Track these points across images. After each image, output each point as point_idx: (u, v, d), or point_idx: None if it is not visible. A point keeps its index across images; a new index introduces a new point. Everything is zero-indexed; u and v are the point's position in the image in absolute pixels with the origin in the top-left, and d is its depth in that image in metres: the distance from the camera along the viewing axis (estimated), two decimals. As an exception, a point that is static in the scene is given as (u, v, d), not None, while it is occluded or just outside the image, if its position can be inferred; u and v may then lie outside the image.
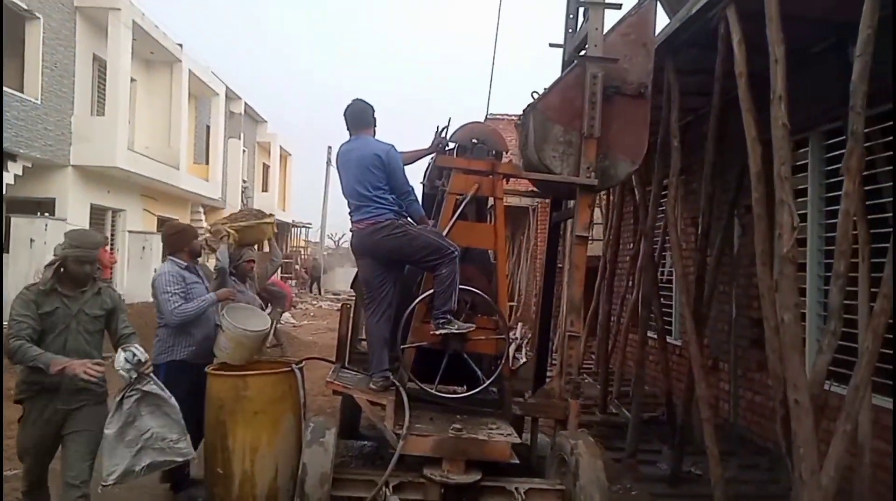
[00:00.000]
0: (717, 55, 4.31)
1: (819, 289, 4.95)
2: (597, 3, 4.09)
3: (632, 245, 7.76)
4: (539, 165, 4.19)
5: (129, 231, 15.15)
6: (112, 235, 15.03)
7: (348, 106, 4.05)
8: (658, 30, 4.38)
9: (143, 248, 14.88)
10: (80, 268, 3.22)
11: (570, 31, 4.71)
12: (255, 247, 6.57)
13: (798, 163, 4.88)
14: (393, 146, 3.89)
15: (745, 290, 5.96)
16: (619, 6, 4.19)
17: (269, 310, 10.77)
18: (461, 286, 3.84)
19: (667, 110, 5.17)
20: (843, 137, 4.53)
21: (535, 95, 4.22)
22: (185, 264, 4.34)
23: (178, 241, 4.43)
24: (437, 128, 4.27)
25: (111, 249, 14.42)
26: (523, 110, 4.55)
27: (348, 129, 4.05)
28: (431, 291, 3.83)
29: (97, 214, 14.61)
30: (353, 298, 5.29)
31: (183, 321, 4.12)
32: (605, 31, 4.09)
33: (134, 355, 3.18)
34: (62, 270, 3.23)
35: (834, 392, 3.67)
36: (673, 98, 4.99)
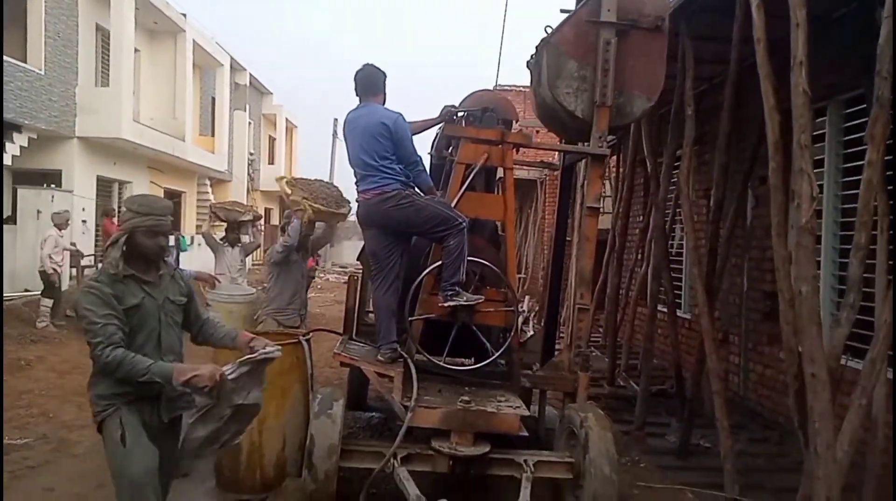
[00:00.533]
0: (735, 21, 4.16)
1: (834, 261, 4.87)
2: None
3: (641, 218, 7.67)
4: (553, 103, 4.09)
5: (136, 204, 15.12)
6: (119, 207, 15.03)
7: (359, 70, 3.94)
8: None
9: (150, 220, 14.85)
10: (154, 241, 2.51)
11: None
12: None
13: (815, 132, 4.76)
14: (401, 115, 3.80)
15: (758, 263, 5.88)
16: None
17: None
18: (469, 258, 3.79)
19: (681, 78, 5.03)
20: (863, 106, 4.43)
21: (549, 30, 4.11)
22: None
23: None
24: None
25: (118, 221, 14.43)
26: (536, 47, 4.40)
27: (357, 94, 3.94)
28: (439, 262, 3.78)
29: (104, 185, 14.58)
30: (361, 270, 5.27)
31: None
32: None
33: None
34: (126, 247, 2.48)
35: (849, 367, 3.61)
36: (688, 66, 4.85)
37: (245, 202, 22.70)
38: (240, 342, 2.65)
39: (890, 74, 2.75)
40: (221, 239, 7.78)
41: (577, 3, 4.56)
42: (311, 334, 4.10)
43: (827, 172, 4.92)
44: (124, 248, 2.47)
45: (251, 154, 24.28)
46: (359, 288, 4.57)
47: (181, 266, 6.59)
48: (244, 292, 4.22)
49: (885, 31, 2.74)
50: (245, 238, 8.14)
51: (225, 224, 8.25)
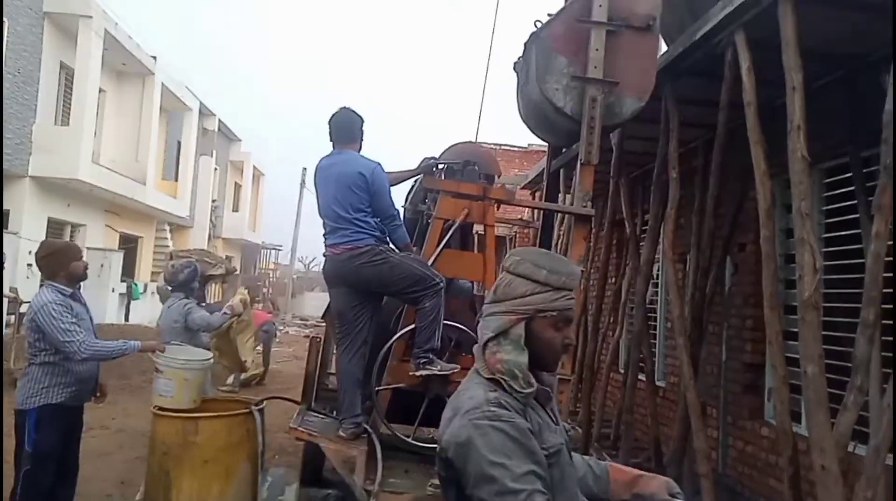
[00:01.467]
0: (723, 83, 4.08)
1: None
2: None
3: (614, 279, 7.49)
4: (540, 99, 3.92)
5: (88, 248, 14.44)
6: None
7: (334, 114, 3.68)
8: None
9: (102, 266, 14.19)
10: (563, 334, 1.46)
11: None
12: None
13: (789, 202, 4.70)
14: (379, 164, 3.53)
15: (738, 331, 5.69)
16: None
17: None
18: (445, 322, 3.47)
19: (664, 140, 4.93)
20: (848, 174, 4.37)
21: (539, 24, 3.95)
22: (70, 290, 3.56)
23: (53, 263, 3.57)
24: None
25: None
26: (524, 43, 4.23)
27: (331, 140, 3.67)
28: (412, 326, 3.46)
29: (54, 228, 13.91)
30: (324, 328, 4.89)
31: (92, 358, 3.45)
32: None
33: None
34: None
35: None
36: (672, 128, 4.75)
37: (206, 248, 22.09)
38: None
39: (898, 142, 2.62)
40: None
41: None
42: (263, 402, 3.68)
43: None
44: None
45: (215, 201, 23.77)
46: (321, 350, 4.19)
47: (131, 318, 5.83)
48: (202, 356, 3.80)
49: (892, 97, 2.61)
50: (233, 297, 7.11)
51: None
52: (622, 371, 7.07)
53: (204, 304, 6.49)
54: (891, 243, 3.33)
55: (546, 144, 5.34)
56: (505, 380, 1.37)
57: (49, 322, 3.33)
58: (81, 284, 3.72)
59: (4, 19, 11.78)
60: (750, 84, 3.66)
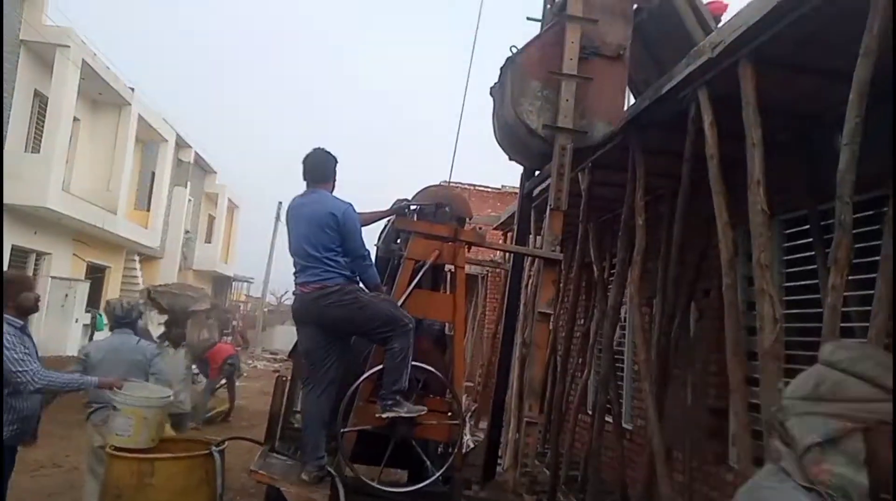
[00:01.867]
0: (687, 137, 4.24)
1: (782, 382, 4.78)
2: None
3: (583, 321, 7.56)
4: (514, 121, 4.07)
5: (53, 277, 14.10)
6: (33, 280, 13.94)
7: (308, 154, 3.73)
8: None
9: (66, 296, 13.84)
10: None
11: (549, 5, 4.75)
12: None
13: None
14: (351, 205, 3.57)
15: (702, 377, 5.76)
16: None
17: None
18: (413, 363, 3.47)
19: (631, 188, 5.07)
20: (806, 227, 4.53)
21: (514, 49, 4.11)
22: (21, 323, 3.47)
23: (4, 293, 3.46)
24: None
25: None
26: (500, 67, 4.40)
27: (305, 179, 3.71)
28: (380, 366, 3.44)
29: (18, 256, 13.57)
30: (291, 366, 4.83)
31: (45, 389, 3.37)
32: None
33: None
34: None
35: None
36: (638, 176, 4.89)
37: (175, 280, 21.70)
38: None
39: (851, 199, 2.74)
40: (160, 337, 6.20)
41: (542, 26, 4.65)
42: (225, 443, 3.60)
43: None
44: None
45: (188, 232, 23.49)
46: (287, 389, 4.13)
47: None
48: (160, 393, 3.70)
49: (845, 158, 2.75)
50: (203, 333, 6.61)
51: (161, 315, 6.69)
52: (590, 413, 7.08)
53: (185, 344, 6.25)
54: (853, 292, 3.45)
55: (517, 187, 5.46)
56: (832, 496, 1.17)
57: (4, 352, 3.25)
58: (37, 315, 3.64)
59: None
60: (712, 138, 3.81)
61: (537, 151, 4.29)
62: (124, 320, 4.72)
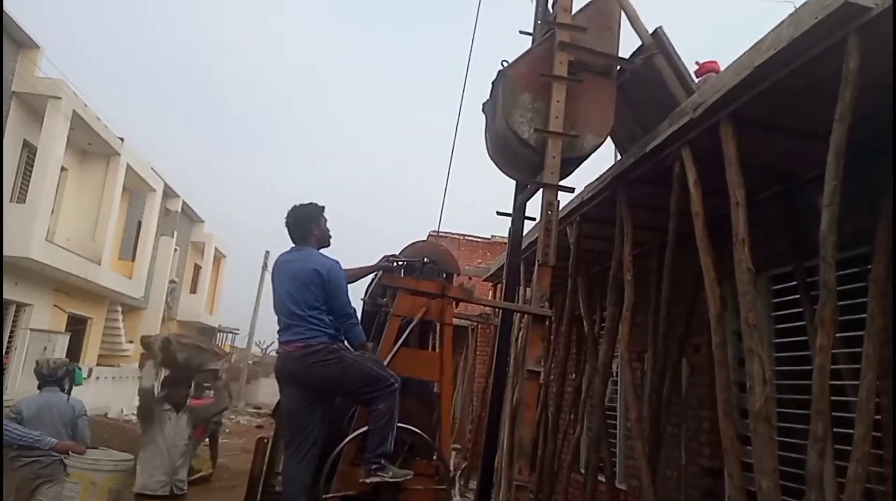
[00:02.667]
0: (672, 194, 4.28)
1: (772, 440, 4.69)
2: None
3: (574, 376, 7.46)
4: (506, 132, 4.17)
5: (32, 329, 13.81)
6: (11, 333, 13.64)
7: (288, 215, 3.70)
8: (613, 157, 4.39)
9: (45, 348, 13.51)
10: None
11: (539, 22, 4.91)
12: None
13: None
14: (337, 262, 3.54)
15: (696, 435, 5.66)
16: None
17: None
18: (400, 424, 3.37)
19: (619, 243, 5.08)
20: (793, 283, 4.54)
21: (505, 63, 4.26)
22: None
23: None
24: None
25: (6, 349, 13.02)
26: (492, 82, 4.54)
27: (291, 239, 3.70)
28: (365, 428, 3.34)
29: (-2, 307, 13.31)
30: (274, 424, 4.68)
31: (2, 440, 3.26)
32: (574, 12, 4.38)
33: None
34: None
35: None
36: (626, 232, 4.92)
37: (159, 331, 21.33)
38: None
39: (834, 259, 2.75)
40: (160, 399, 5.91)
41: (533, 41, 4.80)
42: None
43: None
44: None
45: (172, 282, 23.25)
46: (268, 451, 3.99)
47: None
48: (116, 458, 3.54)
49: (826, 219, 2.77)
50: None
51: (156, 367, 6.32)
52: (583, 472, 6.90)
53: (188, 410, 5.86)
54: (843, 349, 3.43)
55: (507, 237, 5.46)
56: None
57: None
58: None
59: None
60: (697, 196, 3.85)
61: (528, 162, 4.41)
62: (52, 378, 4.86)
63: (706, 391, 5.41)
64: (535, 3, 5.03)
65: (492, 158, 4.89)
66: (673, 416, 5.54)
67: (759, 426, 2.91)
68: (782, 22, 3.00)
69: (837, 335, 3.71)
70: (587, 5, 4.49)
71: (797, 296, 4.40)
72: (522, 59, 4.33)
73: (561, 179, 4.21)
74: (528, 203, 5.09)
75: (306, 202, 3.76)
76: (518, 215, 5.01)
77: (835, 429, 3.38)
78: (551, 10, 4.75)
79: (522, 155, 4.33)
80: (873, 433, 2.87)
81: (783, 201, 4.56)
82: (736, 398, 4.51)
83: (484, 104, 4.74)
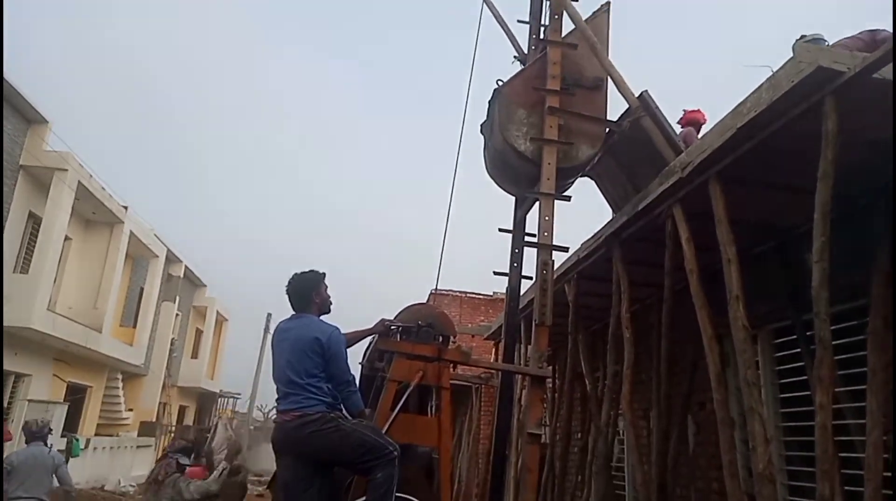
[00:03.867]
0: (666, 251, 4.32)
1: (784, 500, 4.56)
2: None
3: (580, 435, 7.29)
4: (503, 146, 4.35)
5: (30, 400, 13.63)
6: (9, 404, 13.46)
7: (288, 282, 3.72)
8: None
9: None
10: None
11: (534, 47, 5.17)
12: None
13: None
14: (337, 329, 3.53)
15: (706, 495, 5.49)
16: None
17: None
18: (398, 494, 3.29)
19: (616, 300, 5.08)
20: (793, 337, 4.51)
21: (500, 82, 4.49)
22: None
23: None
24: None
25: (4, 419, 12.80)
26: (488, 101, 4.75)
27: (291, 306, 3.71)
28: (363, 499, 3.26)
29: (-4, 378, 13.18)
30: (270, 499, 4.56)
31: None
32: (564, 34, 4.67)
33: None
34: None
35: None
36: (623, 289, 4.93)
37: (159, 398, 21.01)
38: None
39: (828, 315, 2.75)
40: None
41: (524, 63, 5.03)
42: None
43: (765, 402, 4.82)
44: None
45: (173, 347, 23.08)
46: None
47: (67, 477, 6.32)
48: None
49: (818, 274, 2.79)
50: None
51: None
52: (592, 538, 6.66)
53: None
54: (848, 404, 3.36)
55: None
56: None
57: None
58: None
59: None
60: (690, 253, 3.88)
61: (526, 175, 4.56)
62: (38, 435, 6.24)
63: (713, 449, 5.26)
64: (529, 28, 5.34)
65: (490, 176, 5.09)
66: (681, 477, 5.39)
67: (763, 489, 2.84)
68: (761, 85, 3.10)
69: (841, 389, 3.67)
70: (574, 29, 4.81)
71: (799, 350, 4.36)
72: (517, 77, 4.63)
73: (558, 192, 4.40)
74: (524, 259, 5.14)
75: (307, 270, 3.79)
76: (518, 230, 5.11)
77: (845, 487, 3.29)
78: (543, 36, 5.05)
79: (520, 168, 4.54)
80: (883, 491, 2.80)
81: (778, 256, 4.58)
82: (744, 457, 4.40)
83: (482, 125, 4.96)
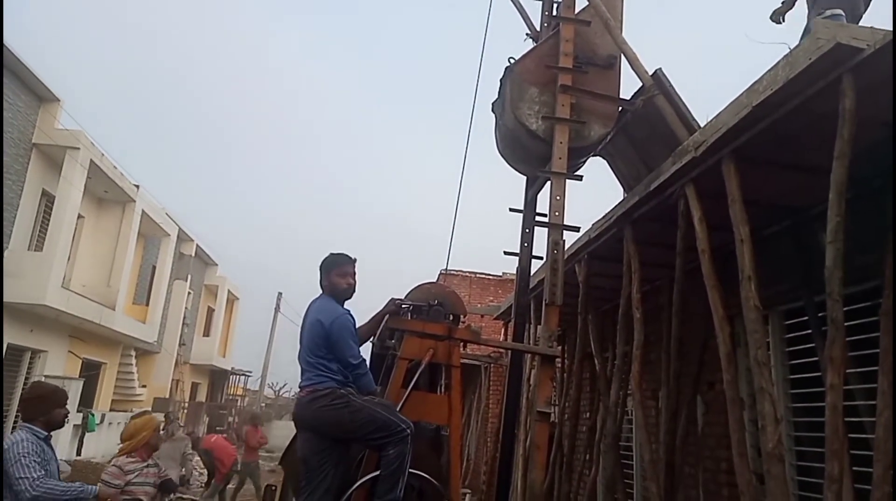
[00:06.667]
0: (678, 230, 4.29)
1: (792, 479, 4.58)
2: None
3: (588, 414, 7.34)
4: (514, 125, 4.31)
5: (46, 376, 13.86)
6: (26, 379, 13.70)
7: (322, 261, 3.78)
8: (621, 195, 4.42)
9: (59, 394, 13.52)
10: None
11: (546, 24, 5.15)
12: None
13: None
14: (344, 313, 3.55)
15: (714, 475, 5.53)
16: None
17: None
18: (409, 470, 3.34)
19: (627, 280, 5.07)
20: (805, 318, 4.49)
21: (512, 60, 4.44)
22: (45, 434, 3.68)
23: (36, 407, 3.72)
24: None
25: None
26: (500, 79, 4.67)
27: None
28: (374, 473, 3.31)
29: (13, 355, 13.40)
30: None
31: (42, 498, 3.34)
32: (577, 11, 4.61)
33: None
34: None
35: None
36: (634, 269, 4.91)
37: (172, 375, 21.32)
38: None
39: (841, 296, 2.73)
40: None
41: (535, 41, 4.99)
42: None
43: (776, 383, 4.83)
44: None
45: (185, 325, 23.34)
46: (276, 499, 3.95)
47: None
48: None
49: (831, 255, 2.77)
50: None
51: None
52: (599, 515, 6.73)
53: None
54: (858, 386, 3.36)
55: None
56: None
57: (14, 457, 3.37)
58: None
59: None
60: (703, 233, 3.85)
61: (537, 154, 4.51)
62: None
63: (722, 429, 5.29)
64: (541, 5, 5.27)
65: (501, 155, 5.05)
66: (690, 456, 5.42)
67: (772, 467, 2.85)
68: (778, 63, 3.05)
69: (853, 370, 3.67)
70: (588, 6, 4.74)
71: (810, 331, 4.34)
72: (529, 55, 4.56)
73: (570, 171, 4.36)
74: (534, 239, 5.13)
75: (337, 252, 3.80)
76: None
77: (854, 468, 3.30)
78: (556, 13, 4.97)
79: (531, 147, 4.49)
80: (893, 472, 2.80)
81: (791, 236, 4.54)
82: (753, 437, 4.42)
83: (493, 104, 4.90)
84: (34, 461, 3.39)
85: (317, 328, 3.45)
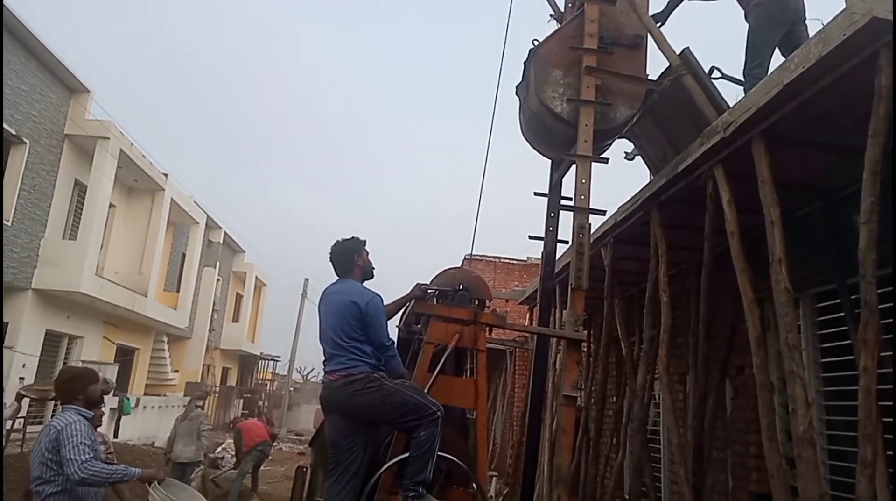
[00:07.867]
0: (706, 213, 4.23)
1: (823, 464, 4.52)
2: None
3: (615, 398, 7.32)
4: (539, 108, 4.25)
5: (83, 361, 14.29)
6: (64, 364, 14.14)
7: (331, 249, 3.82)
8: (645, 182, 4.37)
9: (96, 379, 13.93)
10: None
11: (570, 5, 5.09)
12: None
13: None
14: (377, 295, 3.60)
15: (742, 459, 5.48)
16: None
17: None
18: (438, 453, 3.38)
19: (654, 264, 5.02)
20: (837, 301, 4.40)
21: (536, 42, 4.39)
22: (91, 413, 3.77)
23: (72, 388, 3.79)
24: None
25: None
26: (524, 62, 4.64)
27: (335, 271, 3.81)
28: (402, 455, 3.36)
29: (51, 341, 13.83)
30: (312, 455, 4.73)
31: (88, 480, 3.43)
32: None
33: None
34: None
35: None
36: (661, 252, 4.86)
37: (203, 360, 21.76)
38: None
39: (874, 278, 2.68)
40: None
41: (559, 22, 4.95)
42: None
43: (807, 367, 4.75)
44: None
45: (215, 311, 23.78)
46: (307, 481, 4.03)
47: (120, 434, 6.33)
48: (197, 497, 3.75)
49: (865, 237, 2.71)
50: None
51: None
52: (627, 498, 6.73)
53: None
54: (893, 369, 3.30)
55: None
56: None
57: (70, 437, 3.45)
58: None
59: (26, 141, 12.41)
60: (732, 215, 3.79)
61: (562, 137, 4.46)
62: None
63: (751, 413, 5.24)
64: None
65: (525, 138, 5.00)
66: (718, 440, 5.38)
67: (803, 452, 2.82)
68: (810, 39, 2.98)
69: (885, 354, 3.59)
70: None
71: (842, 314, 4.26)
72: (552, 37, 4.49)
73: (595, 154, 4.29)
74: (559, 223, 5.09)
75: (348, 237, 3.87)
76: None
77: (889, 452, 3.25)
78: None
79: (556, 130, 4.43)
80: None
81: (823, 218, 4.45)
82: (783, 421, 4.37)
83: (517, 87, 4.85)
84: (84, 442, 3.48)
85: (352, 309, 3.48)
